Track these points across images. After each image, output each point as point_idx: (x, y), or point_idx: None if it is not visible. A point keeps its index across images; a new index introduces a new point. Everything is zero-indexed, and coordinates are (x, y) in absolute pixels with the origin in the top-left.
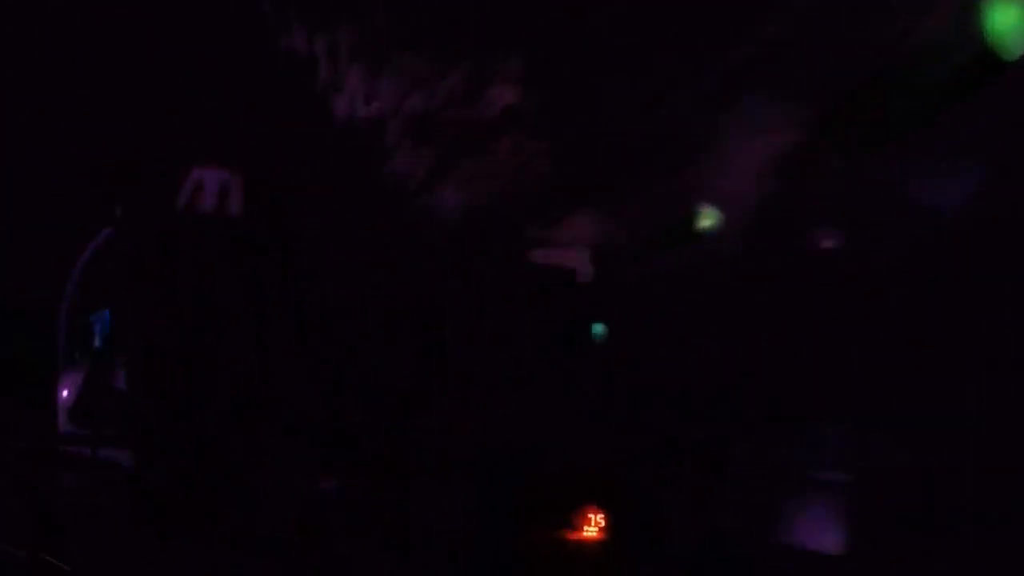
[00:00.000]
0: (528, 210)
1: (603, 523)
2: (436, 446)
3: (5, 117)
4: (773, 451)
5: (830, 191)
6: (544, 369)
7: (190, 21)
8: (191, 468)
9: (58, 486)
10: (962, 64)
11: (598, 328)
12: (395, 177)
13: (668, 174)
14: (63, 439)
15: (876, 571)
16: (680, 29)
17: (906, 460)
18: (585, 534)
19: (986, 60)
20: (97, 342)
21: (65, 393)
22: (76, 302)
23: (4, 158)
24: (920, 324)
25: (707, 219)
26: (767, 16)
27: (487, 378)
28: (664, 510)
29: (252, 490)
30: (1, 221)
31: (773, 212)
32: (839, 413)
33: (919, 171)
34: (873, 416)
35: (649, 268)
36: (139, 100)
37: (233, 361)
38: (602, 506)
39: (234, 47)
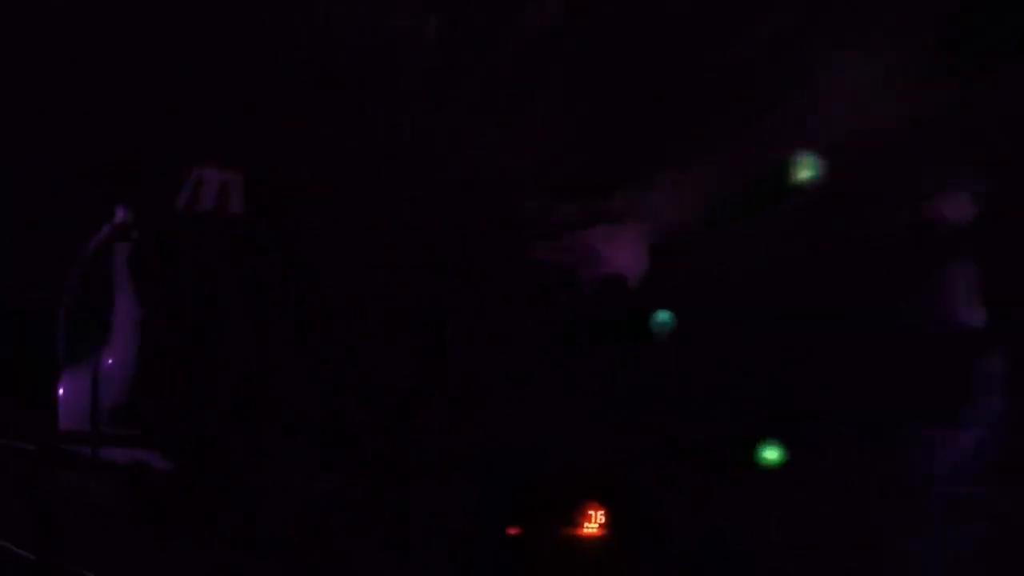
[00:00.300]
0: (570, 179)
1: (603, 520)
2: (436, 446)
3: (5, 117)
4: (879, 461)
5: (946, 127)
6: (544, 369)
7: (190, 21)
8: (191, 468)
9: (58, 486)
10: None
11: (663, 316)
12: (405, 149)
13: (750, 117)
14: (63, 439)
15: None
16: None
17: None
18: (585, 531)
19: None
20: (97, 342)
21: (64, 393)
22: (76, 302)
23: (4, 158)
24: None
25: (805, 169)
26: None
27: (487, 378)
28: (665, 508)
29: (252, 490)
30: (1, 221)
31: (880, 164)
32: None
33: None
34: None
35: (726, 239)
36: (139, 100)
37: (233, 361)
38: (602, 503)
39: (234, 47)
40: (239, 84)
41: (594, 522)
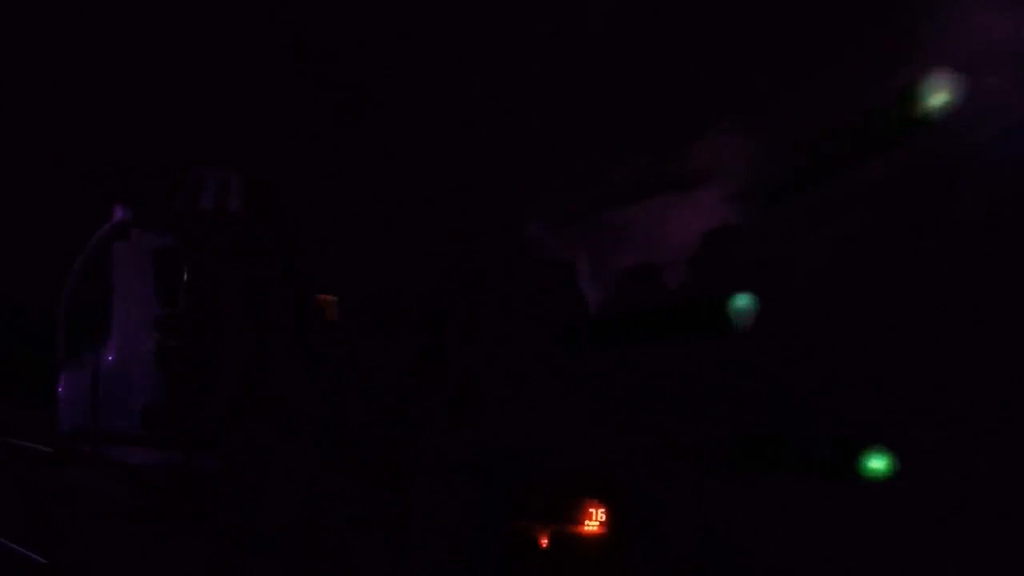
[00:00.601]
0: (633, 130)
1: (604, 517)
2: (436, 446)
3: (5, 117)
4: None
5: None
6: (544, 369)
7: (191, 22)
8: (192, 467)
9: (58, 484)
10: None
11: (744, 301)
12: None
13: (862, 33)
14: (64, 437)
15: None
16: None
17: None
18: (586, 528)
19: None
20: (96, 341)
21: (64, 391)
22: (76, 302)
23: (4, 158)
24: None
25: (939, 93)
26: None
27: (487, 378)
28: (664, 506)
29: (252, 490)
30: (1, 221)
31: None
32: None
33: None
34: None
35: (828, 193)
36: (139, 100)
37: (233, 361)
38: (603, 500)
39: (234, 47)
40: (239, 84)
41: (595, 519)
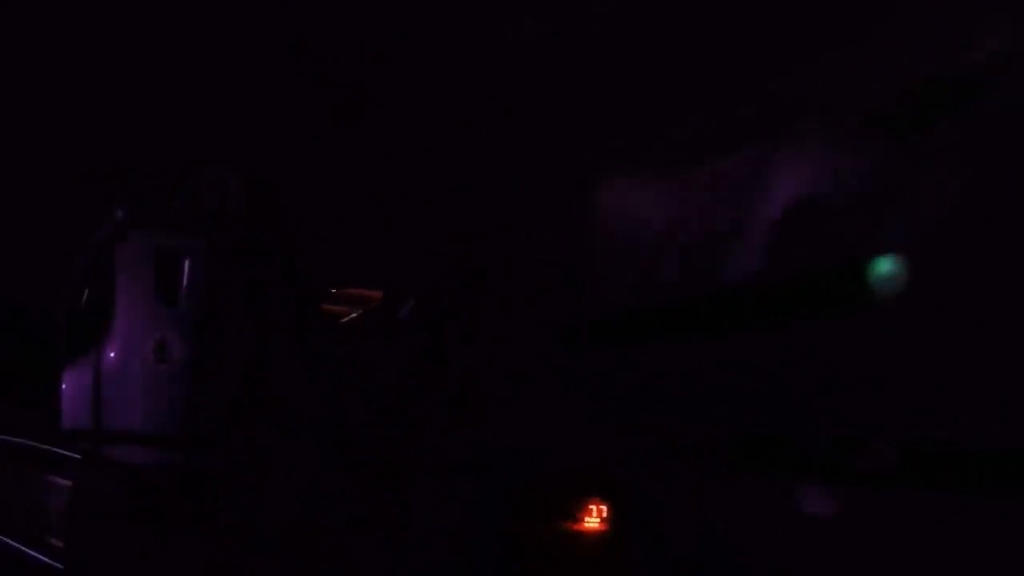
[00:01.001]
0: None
1: (605, 514)
2: (436, 446)
3: (5, 117)
4: None
5: None
6: (544, 369)
7: (191, 22)
8: (192, 466)
9: (59, 484)
10: None
11: (885, 265)
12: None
13: None
14: (64, 437)
15: None
16: None
17: None
18: (587, 525)
19: None
20: (97, 340)
21: (66, 391)
22: (76, 302)
23: (5, 158)
24: None
25: None
26: None
27: (487, 378)
28: (664, 505)
29: (252, 490)
30: (1, 221)
31: None
32: None
33: None
34: None
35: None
36: (139, 100)
37: (233, 360)
38: (604, 498)
39: (234, 47)
40: (239, 84)
41: (595, 516)
